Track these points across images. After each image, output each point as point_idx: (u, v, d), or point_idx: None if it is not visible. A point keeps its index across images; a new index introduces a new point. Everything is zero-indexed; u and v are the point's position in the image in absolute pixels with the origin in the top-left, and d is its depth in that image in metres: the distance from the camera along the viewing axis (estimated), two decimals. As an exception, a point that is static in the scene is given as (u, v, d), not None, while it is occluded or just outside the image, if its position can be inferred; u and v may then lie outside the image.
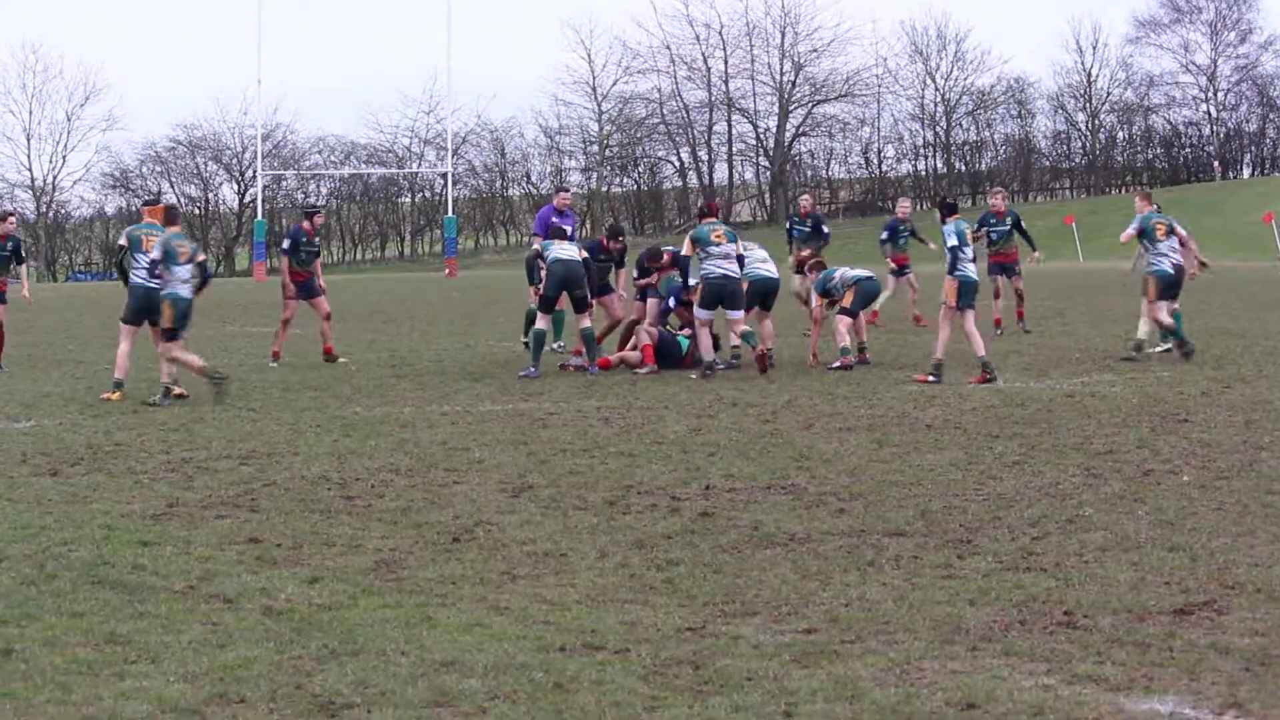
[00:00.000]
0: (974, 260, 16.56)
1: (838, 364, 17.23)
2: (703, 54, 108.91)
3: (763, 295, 17.90)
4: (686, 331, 18.15)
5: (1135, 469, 10.21)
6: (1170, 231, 17.98)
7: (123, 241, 16.00)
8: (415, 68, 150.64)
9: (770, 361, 17.07)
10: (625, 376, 17.08)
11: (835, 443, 11.57)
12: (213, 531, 8.55)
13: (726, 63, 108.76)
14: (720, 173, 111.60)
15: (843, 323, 17.58)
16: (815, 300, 18.31)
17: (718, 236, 17.04)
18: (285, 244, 19.95)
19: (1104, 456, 10.75)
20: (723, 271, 16.90)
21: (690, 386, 15.81)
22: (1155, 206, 18.60)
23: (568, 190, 22.21)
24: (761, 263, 18.04)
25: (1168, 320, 17.82)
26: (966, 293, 16.15)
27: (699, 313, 17.06)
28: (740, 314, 17.14)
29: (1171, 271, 17.87)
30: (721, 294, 16.91)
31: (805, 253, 21.82)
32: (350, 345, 22.51)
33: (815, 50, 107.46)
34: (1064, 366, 17.25)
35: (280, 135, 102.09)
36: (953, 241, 16.22)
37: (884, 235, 24.60)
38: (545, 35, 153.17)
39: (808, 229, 23.85)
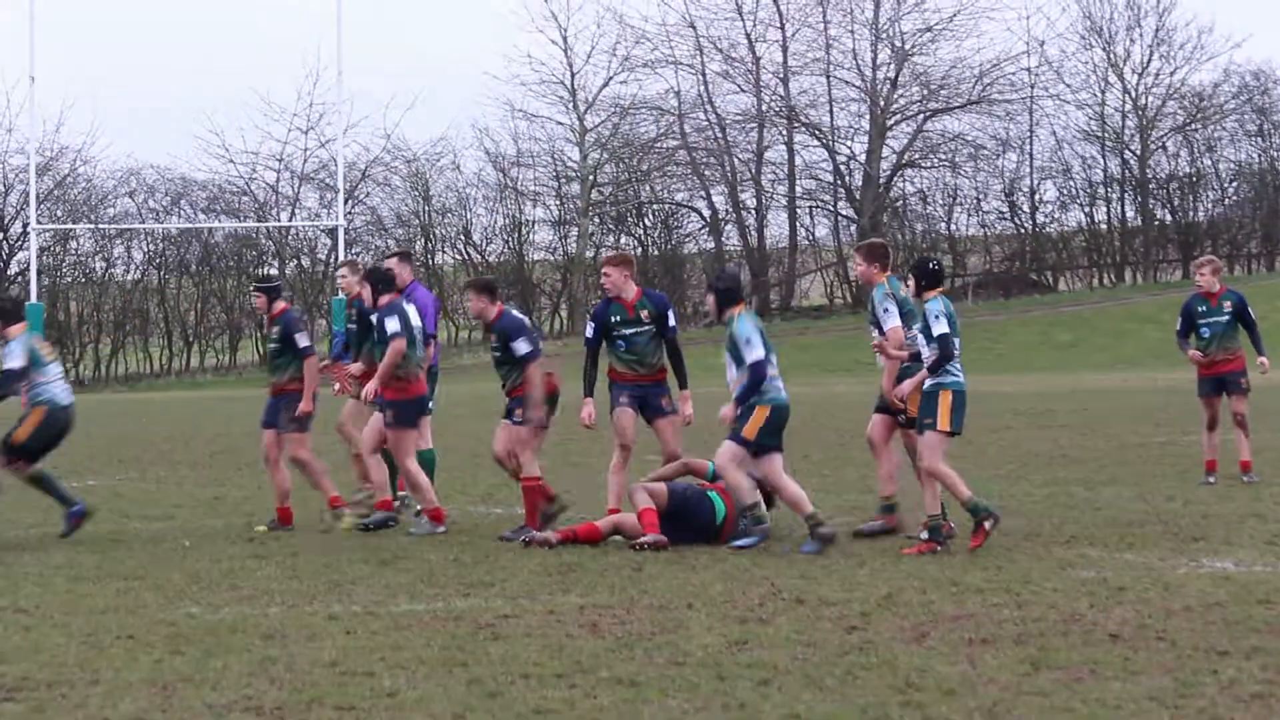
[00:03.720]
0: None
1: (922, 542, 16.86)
2: (748, 35, 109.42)
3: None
4: (722, 485, 17.91)
5: None
6: None
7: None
8: (288, 58, 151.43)
9: (825, 535, 16.96)
10: (623, 555, 17.06)
11: (963, 663, 11.61)
12: (-37, 808, 8.60)
13: (785, 50, 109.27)
14: (777, 227, 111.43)
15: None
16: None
17: None
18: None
19: (1396, 685, 10.80)
20: None
21: (729, 572, 15.81)
22: None
23: (404, 254, 21.39)
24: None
25: None
26: (960, 409, 16.74)
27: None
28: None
29: None
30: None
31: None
32: (181, 501, 22.52)
33: (929, 29, 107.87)
34: (1333, 539, 17.33)
35: (67, 166, 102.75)
36: (942, 328, 16.59)
37: None
38: (494, 7, 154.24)
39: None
